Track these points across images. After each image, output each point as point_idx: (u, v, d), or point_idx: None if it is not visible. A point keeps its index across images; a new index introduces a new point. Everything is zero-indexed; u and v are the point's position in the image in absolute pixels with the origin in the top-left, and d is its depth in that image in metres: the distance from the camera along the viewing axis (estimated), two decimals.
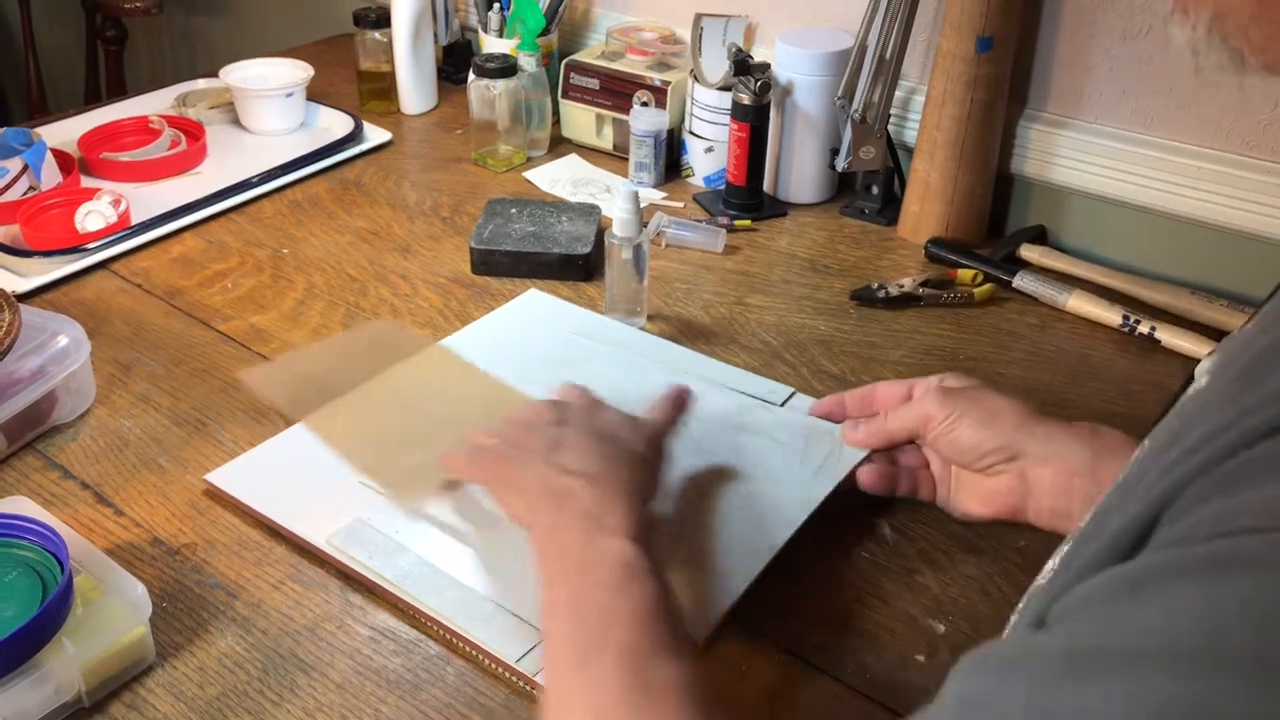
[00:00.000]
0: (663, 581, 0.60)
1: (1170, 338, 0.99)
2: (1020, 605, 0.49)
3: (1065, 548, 0.46)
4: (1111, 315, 1.02)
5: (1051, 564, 0.48)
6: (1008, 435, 0.73)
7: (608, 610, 0.58)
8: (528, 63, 1.30)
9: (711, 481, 0.80)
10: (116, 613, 0.65)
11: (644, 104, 1.27)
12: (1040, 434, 0.73)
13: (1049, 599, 0.38)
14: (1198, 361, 0.95)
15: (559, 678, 0.57)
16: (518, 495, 0.68)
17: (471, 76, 1.28)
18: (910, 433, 0.78)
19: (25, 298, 1.02)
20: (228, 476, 0.81)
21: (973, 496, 0.76)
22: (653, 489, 0.71)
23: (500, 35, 1.39)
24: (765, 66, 1.19)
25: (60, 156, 1.21)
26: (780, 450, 0.83)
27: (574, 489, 0.65)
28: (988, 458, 0.73)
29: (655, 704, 0.53)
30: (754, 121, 1.17)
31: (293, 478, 0.81)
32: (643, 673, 0.54)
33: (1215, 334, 0.99)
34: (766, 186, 1.24)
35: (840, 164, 1.18)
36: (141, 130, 1.32)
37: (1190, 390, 0.45)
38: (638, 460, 0.70)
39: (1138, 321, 1.01)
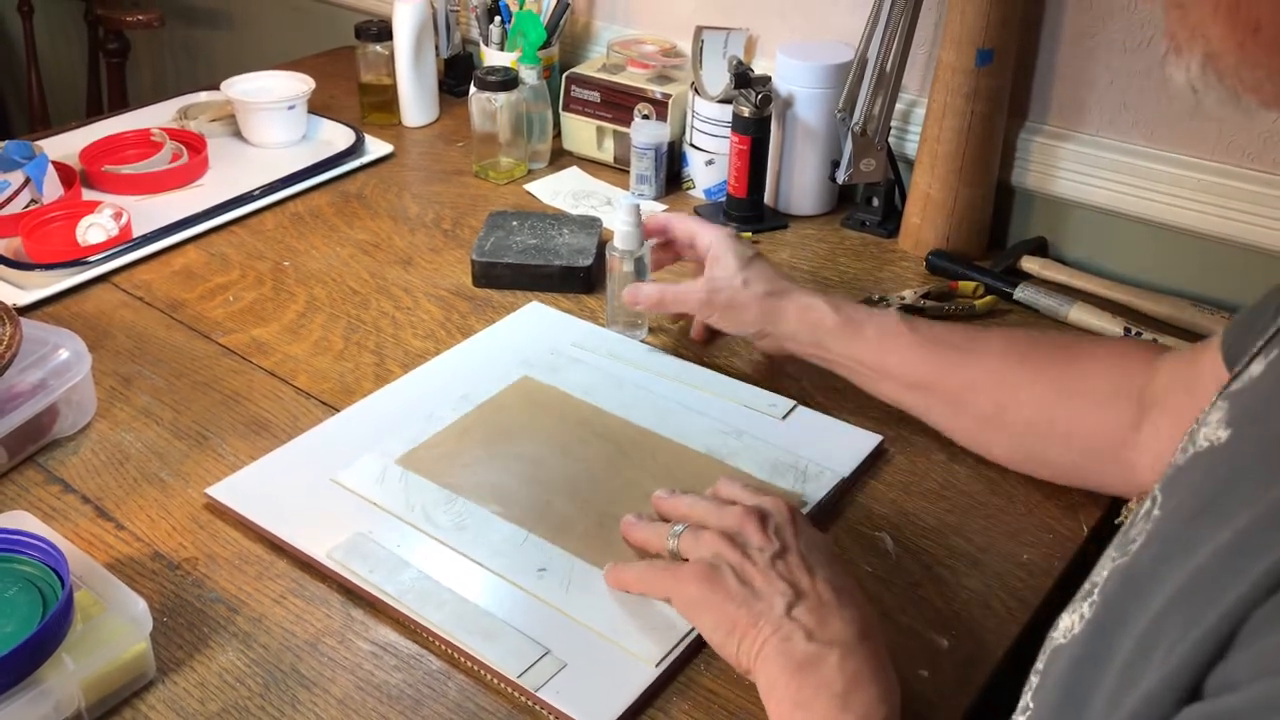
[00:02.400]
0: None
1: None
2: (1040, 664, 0.48)
3: (1084, 608, 0.45)
4: (1113, 327, 1.02)
5: (1069, 620, 0.46)
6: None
7: None
8: (529, 75, 1.30)
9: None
10: (117, 628, 0.65)
11: (645, 116, 1.27)
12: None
13: (1080, 696, 0.37)
14: None
15: None
16: (729, 636, 0.64)
17: (473, 89, 1.28)
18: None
19: (26, 311, 1.02)
20: (229, 490, 0.81)
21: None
22: (875, 618, 0.66)
23: (501, 48, 1.39)
24: (766, 79, 1.19)
25: (62, 169, 1.21)
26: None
27: (820, 661, 0.60)
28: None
29: None
30: (755, 134, 1.17)
31: (294, 492, 0.81)
32: None
33: None
34: (767, 199, 1.24)
35: (841, 176, 1.18)
36: (143, 143, 1.32)
37: (1204, 441, 0.44)
38: (870, 619, 0.64)
39: (1139, 333, 1.01)
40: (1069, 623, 0.46)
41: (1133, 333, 1.01)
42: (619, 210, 0.97)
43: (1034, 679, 0.48)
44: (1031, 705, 0.46)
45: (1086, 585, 0.47)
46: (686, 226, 0.96)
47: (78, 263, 1.08)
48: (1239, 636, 0.35)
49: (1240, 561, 0.35)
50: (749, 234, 1.19)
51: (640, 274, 0.98)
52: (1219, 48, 0.40)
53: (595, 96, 1.31)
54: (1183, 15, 0.41)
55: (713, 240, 0.93)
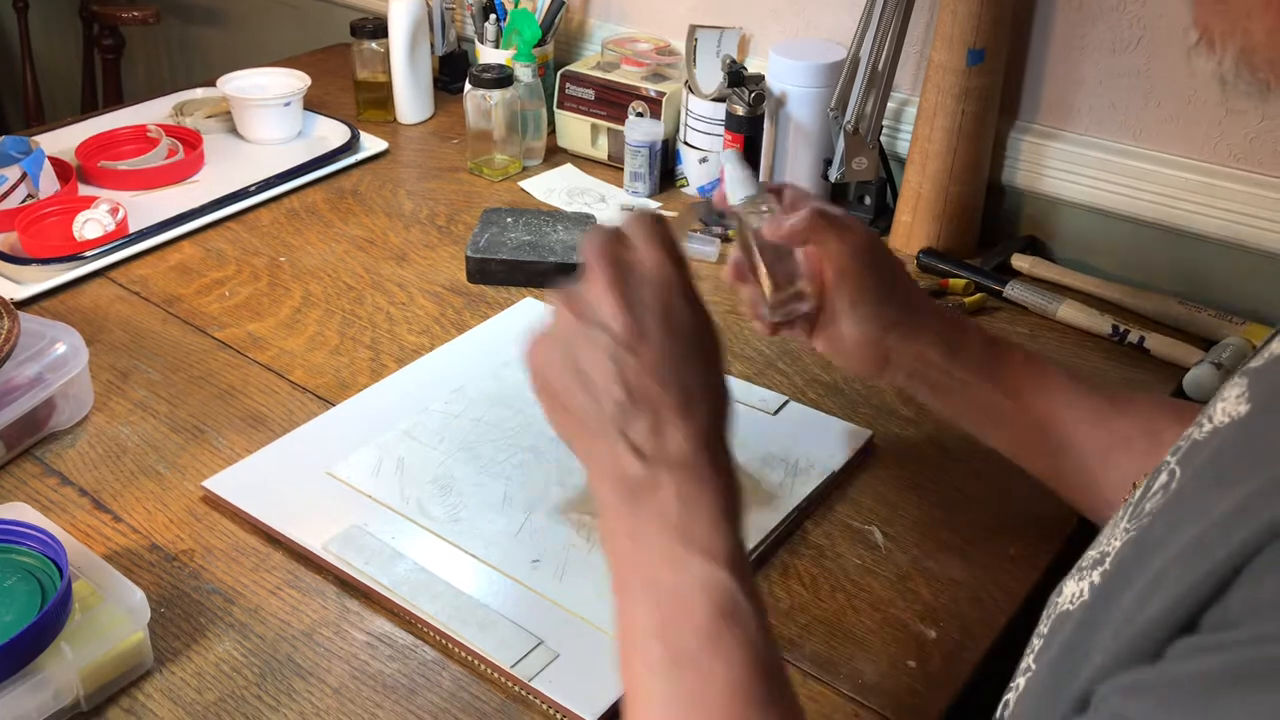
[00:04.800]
0: (758, 604, 0.51)
1: (1159, 346, 1.00)
2: (1043, 629, 0.49)
3: (1094, 576, 0.46)
4: (1101, 324, 1.03)
5: (1076, 587, 0.47)
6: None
7: (698, 668, 0.49)
8: (524, 73, 1.31)
9: None
10: (115, 618, 0.66)
11: (639, 114, 1.28)
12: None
13: (1081, 654, 0.38)
14: (1187, 370, 0.97)
15: None
16: (579, 446, 0.57)
17: (468, 86, 1.29)
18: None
19: (23, 305, 1.03)
20: (225, 483, 0.82)
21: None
22: (729, 412, 0.57)
23: (496, 46, 1.40)
24: (759, 78, 1.20)
25: (58, 165, 1.22)
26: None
27: (654, 483, 0.53)
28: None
29: None
30: (748, 132, 1.18)
31: (290, 485, 0.81)
32: None
33: (1203, 343, 1.00)
34: None
35: (833, 174, 1.19)
36: (139, 139, 1.32)
37: (1223, 416, 0.45)
38: (728, 416, 0.56)
39: (1127, 331, 1.02)
40: (1076, 589, 0.47)
41: (1120, 330, 1.02)
42: (726, 163, 0.77)
43: (1037, 641, 0.49)
44: (1034, 666, 0.47)
45: (1095, 554, 0.47)
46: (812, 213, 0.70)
47: (74, 258, 1.08)
48: (1238, 579, 0.35)
49: (1245, 516, 0.36)
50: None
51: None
52: (1261, 40, 0.40)
53: (589, 94, 1.32)
54: (1223, 9, 0.41)
55: (832, 270, 0.71)
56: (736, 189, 0.75)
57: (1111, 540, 0.46)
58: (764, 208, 0.73)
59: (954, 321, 0.74)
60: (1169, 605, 0.37)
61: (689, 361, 0.55)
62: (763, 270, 0.72)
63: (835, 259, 0.70)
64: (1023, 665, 0.49)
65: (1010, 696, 0.49)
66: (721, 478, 0.54)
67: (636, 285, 0.55)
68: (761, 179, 0.71)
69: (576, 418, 0.55)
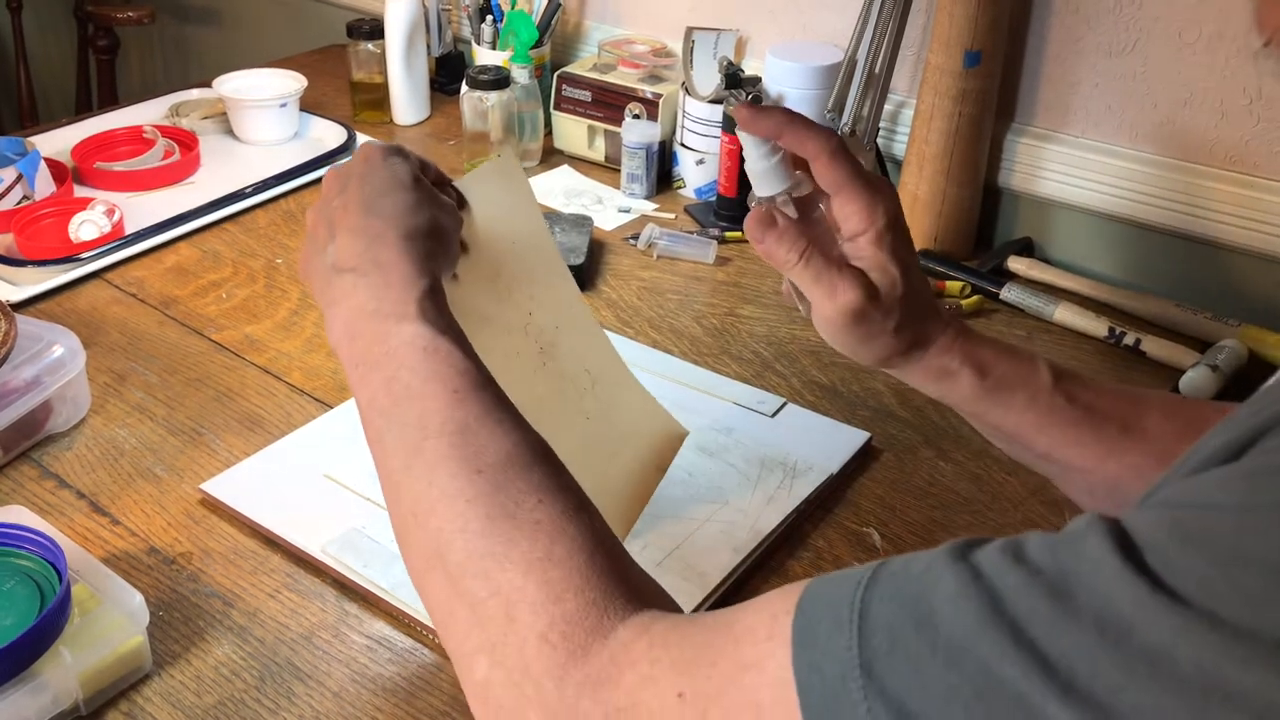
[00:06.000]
0: (466, 348, 0.56)
1: (1155, 349, 1.01)
2: None
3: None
4: (1098, 326, 1.04)
5: None
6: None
7: (419, 397, 0.54)
8: (520, 75, 1.31)
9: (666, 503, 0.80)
10: (114, 622, 0.66)
11: (636, 116, 1.28)
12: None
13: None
14: (1182, 372, 0.97)
15: (395, 484, 0.53)
16: (318, 291, 0.62)
17: (464, 88, 1.29)
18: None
19: (19, 307, 1.03)
20: (223, 486, 0.82)
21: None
22: (440, 247, 0.62)
23: (493, 47, 1.40)
24: (756, 80, 1.20)
25: (54, 166, 1.22)
26: (735, 476, 0.84)
27: (347, 288, 0.59)
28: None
29: (505, 477, 0.51)
30: None
31: (288, 487, 0.81)
32: (482, 451, 0.51)
33: (1199, 345, 1.01)
34: None
35: None
36: (135, 140, 1.32)
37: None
38: (418, 226, 0.60)
39: (1123, 333, 1.02)
40: None
41: (1117, 332, 1.02)
42: (747, 150, 0.64)
43: None
44: None
45: None
46: (832, 170, 0.63)
47: (71, 259, 1.08)
48: (1245, 454, 0.35)
49: (1255, 418, 0.36)
50: (738, 233, 1.20)
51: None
52: None
53: (586, 96, 1.32)
54: None
55: (862, 228, 0.63)
56: (765, 182, 0.65)
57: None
58: (798, 193, 0.65)
59: (946, 368, 0.66)
60: (1174, 489, 0.37)
61: (379, 199, 0.62)
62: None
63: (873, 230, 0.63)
64: None
65: None
66: (404, 261, 0.59)
67: (345, 166, 0.65)
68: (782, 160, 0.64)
69: (314, 267, 0.62)
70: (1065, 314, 1.05)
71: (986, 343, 0.67)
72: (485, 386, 0.55)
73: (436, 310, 0.58)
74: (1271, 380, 0.46)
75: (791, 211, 0.64)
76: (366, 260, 0.58)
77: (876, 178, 0.65)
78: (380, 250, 0.59)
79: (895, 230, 0.63)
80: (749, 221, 0.63)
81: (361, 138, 1.36)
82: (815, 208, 0.66)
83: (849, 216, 0.63)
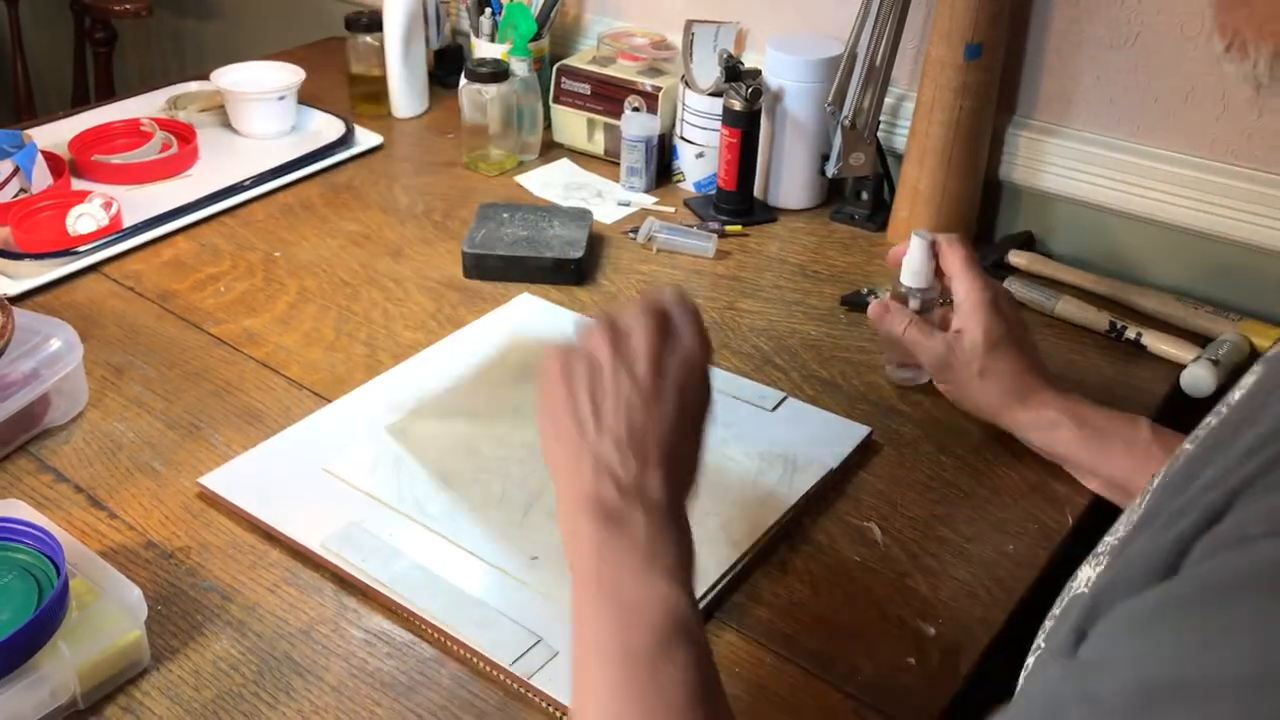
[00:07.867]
0: (708, 647, 0.55)
1: (1155, 343, 1.00)
2: (1056, 610, 0.50)
3: (1108, 559, 0.46)
4: (1098, 320, 1.03)
5: (1090, 571, 0.48)
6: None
7: (656, 665, 0.52)
8: (519, 67, 1.30)
9: None
10: (112, 616, 0.66)
11: (635, 109, 1.28)
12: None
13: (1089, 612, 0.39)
14: (1183, 367, 0.97)
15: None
16: (561, 459, 0.60)
17: (463, 81, 1.28)
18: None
19: (16, 300, 1.02)
20: (221, 480, 0.81)
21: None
22: (694, 489, 0.62)
23: (492, 40, 1.39)
24: (756, 73, 1.20)
25: (51, 159, 1.21)
26: (735, 470, 0.84)
27: (628, 516, 0.57)
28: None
29: None
30: (745, 127, 1.17)
31: (287, 481, 0.81)
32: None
33: (1199, 339, 1.00)
34: (757, 192, 1.25)
35: (830, 170, 1.19)
36: (133, 133, 1.32)
37: (1237, 392, 0.46)
38: (695, 475, 0.61)
39: (1124, 327, 1.02)
40: (1090, 573, 0.47)
41: (1117, 326, 1.02)
42: (913, 246, 0.88)
43: (1049, 623, 0.49)
44: (1044, 645, 0.48)
45: (1111, 540, 0.49)
46: (951, 259, 0.86)
47: (68, 252, 1.08)
48: (1233, 506, 0.36)
49: (1242, 466, 0.36)
50: (738, 226, 1.20)
51: (925, 313, 0.88)
52: None
53: (585, 89, 1.32)
54: (1248, 13, 0.42)
55: (965, 297, 0.84)
56: (912, 275, 0.88)
57: (1128, 526, 0.47)
58: (928, 298, 0.88)
59: (1047, 420, 0.82)
60: (1167, 543, 0.37)
61: (685, 435, 0.61)
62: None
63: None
64: (1034, 644, 0.50)
65: (1022, 676, 0.50)
66: (685, 535, 0.58)
67: (671, 353, 0.61)
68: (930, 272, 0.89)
69: (570, 432, 0.60)
70: (1066, 308, 1.05)
71: (1088, 402, 0.82)
72: (715, 690, 0.54)
73: (695, 600, 0.56)
74: (1211, 417, 0.47)
75: (916, 305, 0.88)
76: (658, 505, 0.57)
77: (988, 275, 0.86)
78: (671, 510, 0.58)
79: (989, 303, 0.83)
80: (874, 309, 0.88)
81: (360, 131, 1.35)
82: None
83: (957, 290, 0.85)
